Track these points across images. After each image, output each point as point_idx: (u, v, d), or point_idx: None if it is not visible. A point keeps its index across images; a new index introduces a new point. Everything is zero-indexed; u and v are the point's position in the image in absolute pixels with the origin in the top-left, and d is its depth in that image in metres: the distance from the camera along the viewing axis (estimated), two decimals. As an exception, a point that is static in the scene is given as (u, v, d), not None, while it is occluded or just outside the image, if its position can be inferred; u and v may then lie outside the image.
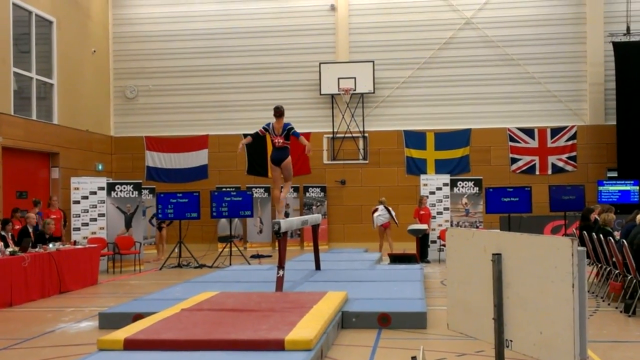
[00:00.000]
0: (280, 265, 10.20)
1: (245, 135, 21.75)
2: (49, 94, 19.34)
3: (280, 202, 11.25)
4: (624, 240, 9.45)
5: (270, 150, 11.27)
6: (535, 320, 3.48)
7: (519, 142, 21.73)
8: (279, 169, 11.08)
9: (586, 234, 11.66)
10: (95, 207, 16.36)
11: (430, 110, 22.07)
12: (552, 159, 21.65)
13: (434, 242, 17.71)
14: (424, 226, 16.95)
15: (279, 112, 10.99)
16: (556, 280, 3.34)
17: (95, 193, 16.41)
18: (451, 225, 17.75)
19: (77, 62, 20.66)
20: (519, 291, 3.59)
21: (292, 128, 11.01)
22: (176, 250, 17.09)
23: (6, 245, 11.97)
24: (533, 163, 21.71)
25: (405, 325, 8.33)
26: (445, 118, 21.98)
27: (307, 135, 21.65)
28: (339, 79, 21.73)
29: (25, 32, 18.33)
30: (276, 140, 10.94)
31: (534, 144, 21.66)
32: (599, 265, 11.30)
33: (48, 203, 16.53)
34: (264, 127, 11.09)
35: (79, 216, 16.23)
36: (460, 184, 18.43)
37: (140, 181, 18.04)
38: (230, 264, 16.36)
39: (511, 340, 3.68)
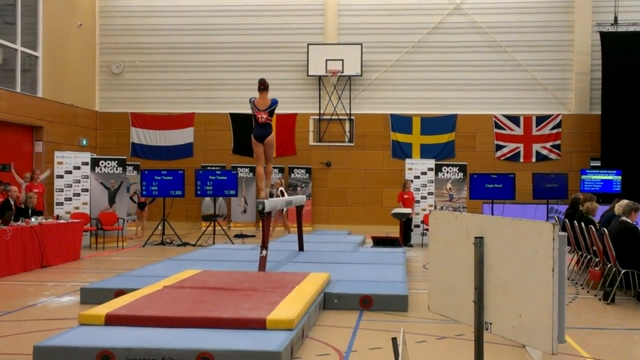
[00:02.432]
0: (264, 245, 10.22)
1: (231, 115, 21.95)
2: (34, 67, 19.15)
3: (263, 191, 11.18)
4: (605, 229, 9.55)
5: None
6: (515, 303, 3.52)
7: (504, 129, 21.82)
8: (262, 145, 10.93)
9: (568, 221, 11.77)
10: (79, 182, 16.27)
11: (417, 95, 22.08)
12: (536, 147, 21.77)
13: (417, 226, 17.79)
14: (407, 210, 17.02)
15: (263, 86, 10.80)
16: (537, 264, 3.37)
17: (79, 168, 16.32)
18: (435, 210, 17.81)
19: (62, 35, 20.44)
20: (500, 274, 3.62)
21: (276, 104, 10.85)
22: (159, 227, 17.06)
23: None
24: (517, 150, 21.82)
25: (386, 308, 8.39)
26: (431, 103, 22.01)
27: (293, 116, 21.73)
28: (326, 60, 21.67)
29: (11, 3, 18.10)
30: (259, 116, 10.73)
31: (519, 131, 21.77)
32: (580, 253, 11.41)
33: (30, 176, 16.40)
34: (250, 103, 10.90)
35: (62, 191, 16.14)
36: (445, 169, 18.49)
37: (125, 157, 17.95)
38: (213, 243, 16.37)
39: (491, 323, 3.72)
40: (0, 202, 13.43)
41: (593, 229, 10.18)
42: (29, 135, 19.04)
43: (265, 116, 10.76)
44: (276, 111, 11.24)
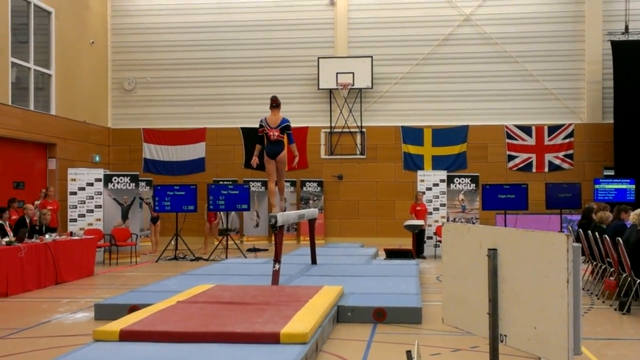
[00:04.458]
0: (277, 259, 10.22)
1: (243, 129, 22.00)
2: (47, 85, 19.32)
3: (276, 200, 11.23)
4: (619, 239, 9.48)
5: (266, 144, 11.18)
6: (530, 315, 3.50)
7: (516, 139, 21.76)
8: (274, 162, 11.00)
9: (582, 231, 11.70)
10: (92, 199, 16.36)
11: (428, 107, 22.08)
12: (549, 157, 21.68)
13: (430, 238, 17.74)
14: (420, 222, 16.99)
15: (275, 103, 10.93)
16: (551, 276, 3.36)
17: (92, 184, 16.41)
18: (447, 221, 17.74)
19: (75, 53, 20.62)
20: (514, 286, 3.61)
21: (289, 127, 10.92)
22: (172, 242, 17.10)
23: (4, 234, 11.97)
24: (530, 160, 21.74)
25: (400, 320, 8.35)
26: (442, 114, 21.99)
27: (304, 130, 21.76)
28: (337, 73, 21.73)
29: (24, 22, 18.28)
30: (271, 133, 10.81)
31: (531, 141, 21.69)
32: (594, 263, 11.33)
33: (44, 194, 16.52)
34: (260, 126, 10.97)
35: (76, 207, 16.22)
36: (457, 181, 18.46)
37: (137, 173, 18.04)
38: (226, 257, 16.37)
39: (506, 335, 3.70)
40: (16, 220, 13.52)
41: (607, 238, 10.11)
42: (43, 153, 19.17)
43: (277, 133, 10.81)
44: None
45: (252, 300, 8.16)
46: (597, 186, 20.17)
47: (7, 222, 12.72)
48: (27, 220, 13.13)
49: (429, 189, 18.17)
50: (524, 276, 3.55)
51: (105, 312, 8.65)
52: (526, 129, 21.72)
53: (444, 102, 22.03)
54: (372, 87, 21.90)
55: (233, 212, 20.18)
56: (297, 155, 11.31)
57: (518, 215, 18.96)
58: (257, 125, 11.13)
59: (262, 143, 11.01)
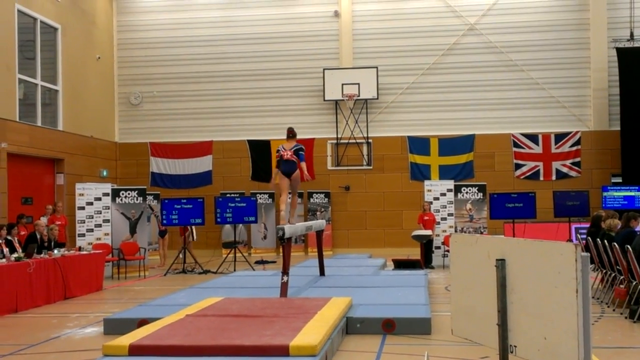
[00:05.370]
0: (285, 271, 10.23)
1: (249, 142, 22.04)
2: (54, 101, 19.41)
3: (285, 212, 11.36)
4: (629, 246, 9.44)
5: (275, 160, 11.64)
6: (539, 325, 3.49)
7: (523, 147, 21.73)
8: (288, 180, 11.44)
9: (591, 239, 11.66)
10: (100, 213, 16.39)
11: (434, 116, 22.08)
12: (556, 165, 21.64)
13: (438, 247, 17.70)
14: (428, 232, 16.96)
15: (291, 134, 11.63)
16: (560, 286, 3.35)
17: (99, 199, 16.45)
18: (455, 231, 17.73)
19: (81, 69, 20.73)
20: (523, 297, 3.60)
21: (302, 149, 11.53)
22: (180, 256, 17.11)
23: (13, 250, 12.01)
24: (537, 169, 21.70)
25: (409, 331, 8.33)
26: (449, 124, 21.99)
27: (310, 141, 21.78)
28: (342, 84, 21.76)
29: (30, 38, 18.40)
30: (285, 153, 11.38)
31: (538, 149, 21.66)
32: (604, 271, 11.28)
33: (52, 209, 16.57)
34: (277, 151, 11.63)
35: (84, 222, 16.26)
36: (464, 190, 18.42)
37: (145, 187, 18.07)
38: (234, 270, 16.37)
39: (515, 346, 3.69)
40: (25, 235, 13.55)
41: (616, 246, 10.07)
42: (51, 168, 19.24)
43: (290, 153, 11.40)
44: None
45: (260, 313, 8.16)
46: (605, 194, 20.10)
47: (16, 238, 12.77)
48: (38, 236, 13.16)
49: (436, 198, 18.14)
50: (532, 286, 3.54)
51: (115, 327, 8.65)
52: (533, 137, 21.69)
53: (450, 111, 22.03)
54: (377, 98, 21.93)
55: (241, 225, 20.17)
56: (306, 173, 11.77)
57: (526, 223, 18.89)
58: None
59: (279, 167, 11.60)
